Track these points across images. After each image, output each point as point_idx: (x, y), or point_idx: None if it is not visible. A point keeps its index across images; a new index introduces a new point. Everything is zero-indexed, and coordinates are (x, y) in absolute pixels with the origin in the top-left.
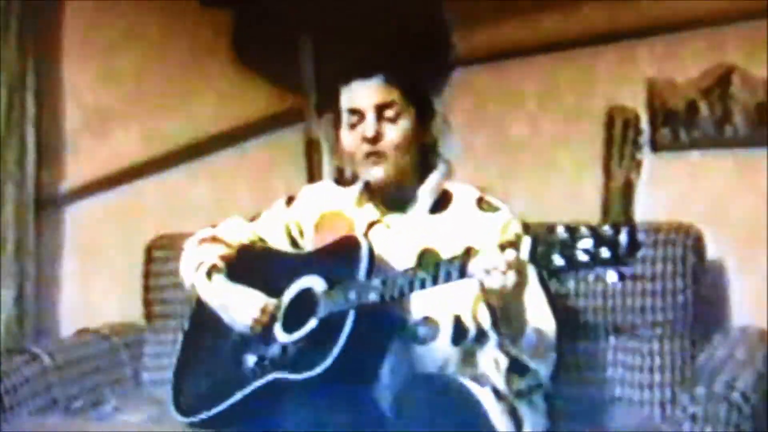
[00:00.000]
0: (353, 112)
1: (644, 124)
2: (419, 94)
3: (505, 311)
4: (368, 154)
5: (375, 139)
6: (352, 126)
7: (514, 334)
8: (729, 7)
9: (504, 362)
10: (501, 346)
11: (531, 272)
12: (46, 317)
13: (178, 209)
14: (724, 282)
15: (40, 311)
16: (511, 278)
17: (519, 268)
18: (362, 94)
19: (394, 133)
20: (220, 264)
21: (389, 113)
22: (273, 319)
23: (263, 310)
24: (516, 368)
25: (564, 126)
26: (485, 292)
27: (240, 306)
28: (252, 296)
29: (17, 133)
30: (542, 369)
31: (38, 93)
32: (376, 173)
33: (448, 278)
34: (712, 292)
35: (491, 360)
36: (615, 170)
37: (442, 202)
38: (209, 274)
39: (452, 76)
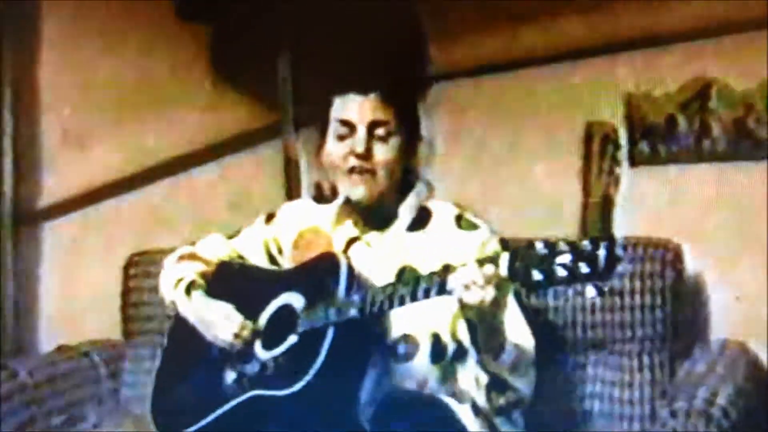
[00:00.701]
0: (345, 123)
1: (622, 138)
2: (412, 115)
3: (484, 327)
4: (353, 169)
5: (364, 156)
6: (341, 138)
7: (493, 350)
8: (707, 22)
9: (484, 379)
10: (481, 363)
11: (510, 291)
12: (24, 333)
13: (157, 225)
14: (703, 296)
15: (18, 327)
16: (489, 293)
17: (498, 283)
18: (357, 107)
19: (384, 152)
20: (200, 280)
21: (381, 132)
22: (254, 334)
23: (243, 326)
24: (496, 385)
25: (543, 140)
26: (464, 307)
27: (220, 322)
28: (232, 312)
29: None
30: (522, 385)
31: (15, 107)
32: (358, 191)
33: (427, 294)
34: (692, 306)
35: (472, 377)
36: (593, 185)
37: (421, 219)
38: (188, 291)
39: (431, 91)
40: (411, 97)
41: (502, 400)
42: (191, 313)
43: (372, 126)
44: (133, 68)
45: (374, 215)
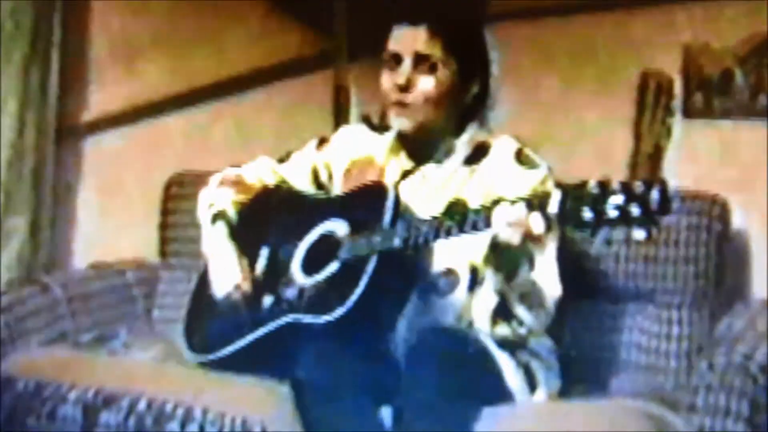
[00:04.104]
0: (393, 55)
1: (678, 89)
2: (463, 48)
3: (510, 257)
4: (395, 103)
5: (405, 88)
6: (390, 70)
7: (507, 271)
8: None
9: (492, 304)
10: (494, 286)
11: (552, 239)
12: (59, 248)
13: (200, 147)
14: (747, 253)
15: (54, 242)
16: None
17: (542, 229)
18: (404, 39)
19: (427, 84)
20: (230, 211)
21: (426, 64)
22: (255, 286)
23: (237, 287)
24: (501, 312)
25: (597, 87)
26: (499, 243)
27: (221, 271)
28: (232, 268)
29: (41, 58)
30: (529, 320)
31: (65, 18)
32: (401, 123)
33: (474, 228)
34: (735, 262)
35: (484, 303)
36: (645, 134)
37: (479, 153)
38: (214, 220)
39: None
40: (465, 33)
41: (505, 329)
42: (206, 243)
43: (418, 58)
44: None
45: (429, 148)
